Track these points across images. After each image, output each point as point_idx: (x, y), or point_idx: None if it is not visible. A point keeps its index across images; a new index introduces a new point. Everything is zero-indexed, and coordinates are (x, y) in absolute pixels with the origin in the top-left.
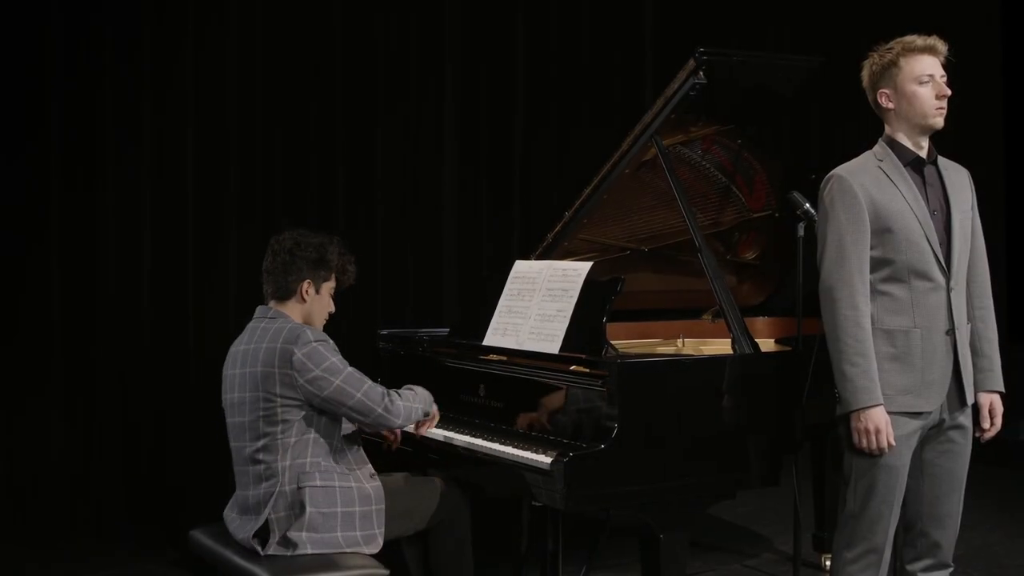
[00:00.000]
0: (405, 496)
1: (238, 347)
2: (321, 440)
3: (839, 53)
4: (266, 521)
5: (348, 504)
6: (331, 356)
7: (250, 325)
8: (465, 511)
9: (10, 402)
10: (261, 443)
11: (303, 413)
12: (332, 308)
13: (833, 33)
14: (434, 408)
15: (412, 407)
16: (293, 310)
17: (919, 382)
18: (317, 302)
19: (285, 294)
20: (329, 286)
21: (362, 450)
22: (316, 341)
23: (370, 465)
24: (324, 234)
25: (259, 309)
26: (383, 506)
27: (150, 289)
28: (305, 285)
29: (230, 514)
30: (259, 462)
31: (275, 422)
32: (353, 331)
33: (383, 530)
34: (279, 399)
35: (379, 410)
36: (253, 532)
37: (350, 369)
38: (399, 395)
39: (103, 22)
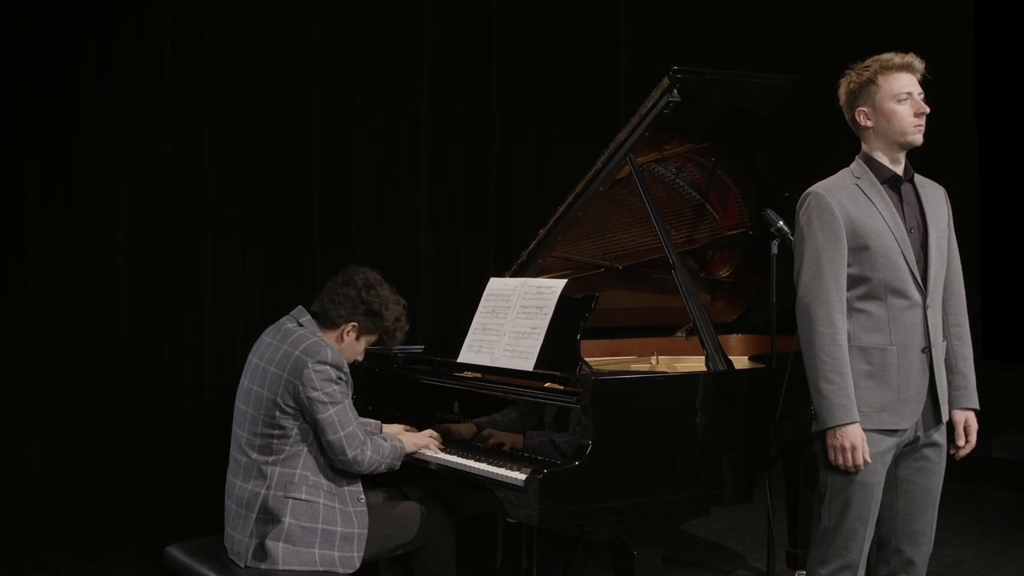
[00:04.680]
0: (385, 521)
1: (264, 338)
2: (313, 455)
3: (814, 70)
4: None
5: (330, 523)
6: (335, 383)
7: (282, 320)
8: (449, 534)
9: None
10: (258, 442)
11: (299, 425)
12: (361, 357)
13: (808, 51)
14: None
15: (380, 461)
16: (328, 337)
17: (895, 400)
18: (351, 347)
19: (328, 323)
20: (369, 339)
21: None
22: (331, 364)
23: (361, 490)
24: (397, 294)
25: (298, 309)
26: (366, 531)
27: (127, 301)
28: (349, 327)
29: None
30: (251, 458)
31: (274, 426)
32: None
33: (362, 554)
34: (281, 405)
35: (349, 455)
36: (244, 535)
37: (346, 404)
38: (372, 448)
39: (82, 33)
